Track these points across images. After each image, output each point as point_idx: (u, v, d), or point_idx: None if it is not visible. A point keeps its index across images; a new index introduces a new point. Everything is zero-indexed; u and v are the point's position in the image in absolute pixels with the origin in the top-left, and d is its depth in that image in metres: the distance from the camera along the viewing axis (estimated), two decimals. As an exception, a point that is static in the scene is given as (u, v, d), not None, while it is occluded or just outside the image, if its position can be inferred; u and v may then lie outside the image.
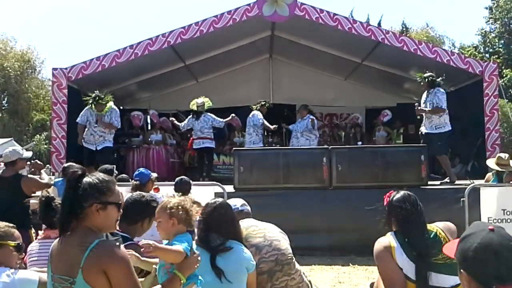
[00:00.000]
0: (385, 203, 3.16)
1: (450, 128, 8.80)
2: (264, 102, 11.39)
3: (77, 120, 9.52)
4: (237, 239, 3.16)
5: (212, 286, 2.95)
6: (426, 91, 9.01)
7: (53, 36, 55.97)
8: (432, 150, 8.72)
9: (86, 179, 2.33)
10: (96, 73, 10.60)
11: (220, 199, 3.39)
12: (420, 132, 9.14)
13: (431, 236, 2.99)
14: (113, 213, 2.37)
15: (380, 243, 3.01)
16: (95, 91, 9.49)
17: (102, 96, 9.40)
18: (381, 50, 11.46)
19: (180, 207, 2.73)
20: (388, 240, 3.00)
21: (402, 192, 3.15)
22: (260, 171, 8.09)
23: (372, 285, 3.33)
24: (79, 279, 2.20)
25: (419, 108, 8.95)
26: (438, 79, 9.00)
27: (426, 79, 8.95)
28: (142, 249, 2.31)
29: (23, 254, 3.43)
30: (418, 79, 9.22)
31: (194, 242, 3.17)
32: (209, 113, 10.72)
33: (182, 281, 2.46)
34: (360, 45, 11.75)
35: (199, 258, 2.60)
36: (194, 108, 10.68)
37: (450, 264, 1.84)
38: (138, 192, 3.92)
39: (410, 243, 2.93)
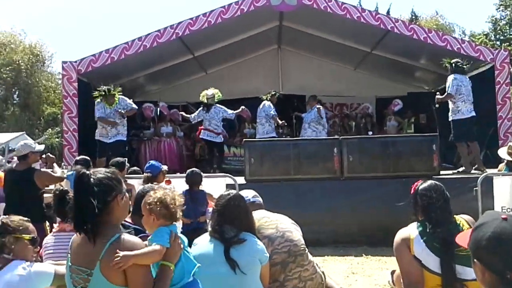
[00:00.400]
0: (412, 192, 3.19)
1: (469, 115, 8.58)
2: (274, 92, 11.37)
3: (97, 116, 9.49)
4: (250, 231, 3.16)
5: (226, 278, 2.97)
6: None
7: (63, 31, 56.11)
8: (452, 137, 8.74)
9: (99, 176, 2.37)
10: (106, 66, 10.63)
11: (234, 191, 3.39)
12: None
13: (456, 226, 2.98)
14: (128, 200, 2.47)
15: (399, 235, 3.03)
16: (102, 85, 9.56)
17: (112, 89, 9.49)
18: (391, 38, 11.37)
19: (158, 203, 2.63)
20: (408, 231, 3.01)
21: (429, 181, 3.18)
22: (270, 162, 8.08)
23: (393, 272, 3.34)
24: (96, 271, 2.23)
25: (437, 97, 8.95)
26: (465, 66, 8.90)
27: (450, 65, 8.88)
28: (114, 264, 2.23)
29: (38, 247, 3.46)
30: (445, 64, 9.11)
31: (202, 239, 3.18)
32: (219, 105, 10.72)
33: (171, 268, 2.47)
34: (369, 34, 11.66)
35: (179, 241, 2.55)
36: (204, 100, 10.67)
37: None
38: (149, 185, 3.95)
39: (434, 231, 2.92)
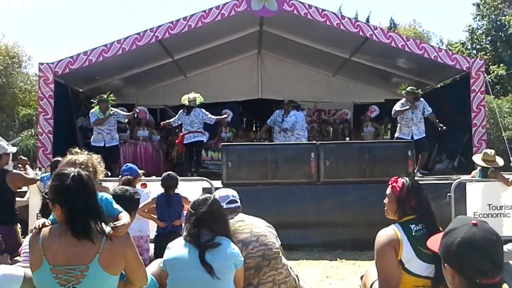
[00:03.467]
0: (397, 191, 3.04)
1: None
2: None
3: (92, 122, 9.76)
4: (226, 235, 3.15)
5: (200, 282, 2.95)
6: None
7: (44, 34, 55.41)
8: None
9: (77, 174, 2.49)
10: (83, 68, 10.51)
11: (211, 195, 3.35)
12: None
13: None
14: None
15: (386, 236, 2.88)
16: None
17: (105, 97, 9.72)
18: (369, 46, 11.49)
19: (89, 164, 2.80)
20: (394, 232, 2.88)
21: (409, 179, 3.10)
22: (248, 166, 8.06)
23: (362, 277, 3.31)
24: (94, 265, 2.35)
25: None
26: (417, 92, 9.80)
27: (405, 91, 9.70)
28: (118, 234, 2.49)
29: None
30: (400, 91, 9.88)
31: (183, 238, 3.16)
32: (199, 108, 10.65)
33: None
34: (349, 40, 11.77)
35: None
36: (186, 103, 10.57)
37: None
38: (121, 187, 3.96)
39: (425, 231, 2.85)
